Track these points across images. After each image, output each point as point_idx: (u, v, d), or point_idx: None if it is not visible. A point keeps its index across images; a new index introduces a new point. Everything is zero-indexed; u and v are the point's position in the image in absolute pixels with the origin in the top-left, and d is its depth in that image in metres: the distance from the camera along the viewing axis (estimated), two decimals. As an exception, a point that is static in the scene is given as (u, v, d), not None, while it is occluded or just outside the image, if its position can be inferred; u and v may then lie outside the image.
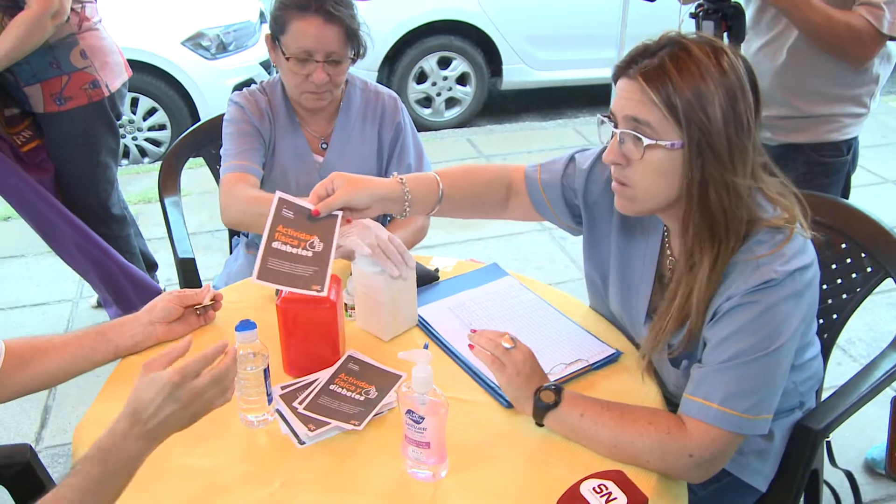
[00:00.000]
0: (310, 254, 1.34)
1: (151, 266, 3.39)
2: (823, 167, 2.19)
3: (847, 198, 2.27)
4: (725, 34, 2.14)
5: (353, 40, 1.91)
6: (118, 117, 2.89)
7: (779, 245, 1.26)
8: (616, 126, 1.29)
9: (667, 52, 1.24)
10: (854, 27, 1.97)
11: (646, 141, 1.25)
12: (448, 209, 1.57)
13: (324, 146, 2.07)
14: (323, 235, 1.37)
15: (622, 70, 1.29)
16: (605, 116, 1.33)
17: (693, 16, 2.14)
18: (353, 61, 1.97)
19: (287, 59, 1.90)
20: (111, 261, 2.84)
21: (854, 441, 2.46)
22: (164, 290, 3.36)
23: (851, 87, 2.12)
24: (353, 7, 1.93)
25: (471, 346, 1.37)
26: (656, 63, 1.23)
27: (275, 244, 1.36)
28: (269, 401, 1.36)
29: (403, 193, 1.48)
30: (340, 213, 1.40)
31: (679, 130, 1.23)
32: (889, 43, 2.06)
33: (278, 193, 1.40)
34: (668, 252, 1.47)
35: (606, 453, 1.29)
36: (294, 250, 1.35)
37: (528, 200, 1.63)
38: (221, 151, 2.01)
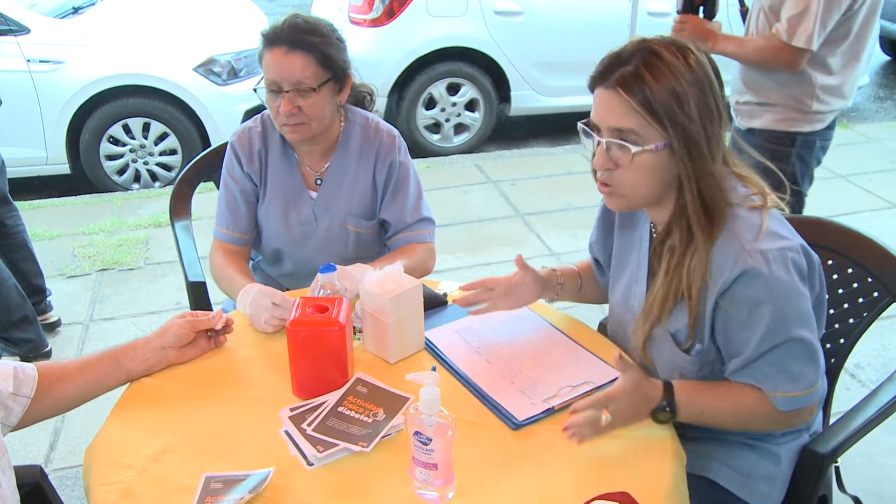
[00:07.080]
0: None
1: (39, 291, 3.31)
2: (769, 152, 2.43)
3: (798, 186, 2.64)
4: (701, 8, 2.59)
5: (324, 66, 1.83)
6: None
7: (758, 225, 1.33)
8: (600, 134, 1.36)
9: (639, 58, 1.30)
10: (762, 47, 2.48)
11: (633, 149, 1.32)
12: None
13: (318, 182, 2.03)
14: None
15: (598, 80, 1.35)
16: (585, 125, 1.39)
17: None
18: (336, 89, 1.89)
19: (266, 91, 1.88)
20: None
21: (863, 466, 2.44)
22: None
23: (787, 86, 2.52)
24: (327, 31, 1.86)
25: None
26: (632, 70, 1.30)
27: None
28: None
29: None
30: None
31: (662, 132, 1.30)
32: (823, 55, 2.42)
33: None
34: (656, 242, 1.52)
35: (731, 428, 1.46)
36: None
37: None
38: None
